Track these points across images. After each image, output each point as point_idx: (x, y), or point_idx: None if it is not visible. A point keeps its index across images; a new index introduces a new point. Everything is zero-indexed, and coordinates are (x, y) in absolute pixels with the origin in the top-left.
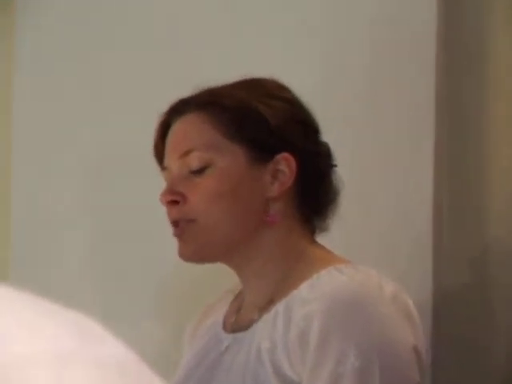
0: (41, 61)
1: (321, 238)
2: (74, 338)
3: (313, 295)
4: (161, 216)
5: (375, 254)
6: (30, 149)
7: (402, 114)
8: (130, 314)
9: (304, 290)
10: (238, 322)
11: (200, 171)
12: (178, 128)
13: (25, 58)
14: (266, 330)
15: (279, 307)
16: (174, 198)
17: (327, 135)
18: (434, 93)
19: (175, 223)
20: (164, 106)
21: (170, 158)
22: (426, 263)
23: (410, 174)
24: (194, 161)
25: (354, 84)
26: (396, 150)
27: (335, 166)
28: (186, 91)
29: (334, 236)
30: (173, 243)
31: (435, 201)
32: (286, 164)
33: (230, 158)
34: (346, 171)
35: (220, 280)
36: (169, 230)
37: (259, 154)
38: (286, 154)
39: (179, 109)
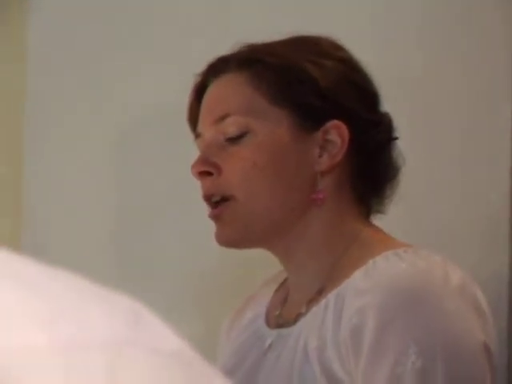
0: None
1: (379, 221)
2: (130, 325)
3: (368, 285)
4: (196, 194)
5: (441, 242)
6: (48, 119)
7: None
8: (160, 306)
9: (358, 278)
10: (283, 316)
11: (237, 138)
12: (214, 89)
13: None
14: (315, 325)
15: (330, 298)
16: (206, 169)
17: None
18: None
19: (208, 198)
20: (201, 66)
21: (204, 124)
22: (501, 253)
23: (485, 155)
24: (231, 126)
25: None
26: (468, 124)
27: (396, 138)
28: (225, 49)
29: (396, 219)
30: (210, 225)
31: None
32: (337, 133)
33: (273, 125)
34: (409, 147)
35: (264, 269)
36: (206, 209)
37: (306, 121)
38: (337, 122)
39: (217, 68)
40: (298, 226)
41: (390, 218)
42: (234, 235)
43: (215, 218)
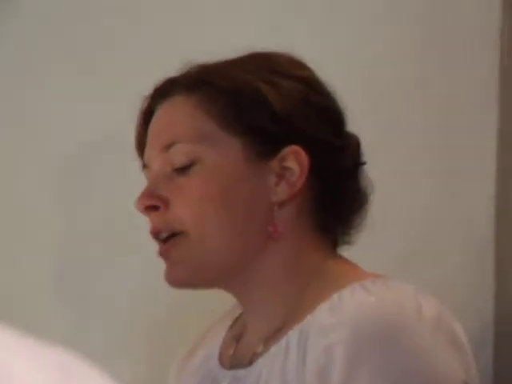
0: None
1: (346, 250)
2: (54, 376)
3: (333, 321)
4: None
5: (418, 269)
6: None
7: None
8: (100, 348)
9: (322, 314)
10: (237, 355)
11: (185, 168)
12: (161, 114)
13: None
14: (276, 368)
15: (291, 336)
16: (151, 203)
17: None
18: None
19: (156, 235)
20: (148, 89)
21: (151, 153)
22: (487, 279)
23: (470, 174)
24: (178, 155)
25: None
26: (452, 140)
27: (363, 164)
28: (173, 69)
29: (367, 248)
30: (160, 261)
31: (497, 206)
32: (295, 159)
33: (224, 152)
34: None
35: (216, 304)
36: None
37: (261, 147)
38: (295, 147)
39: (164, 90)
40: (255, 263)
41: (358, 246)
42: (184, 275)
43: (164, 255)
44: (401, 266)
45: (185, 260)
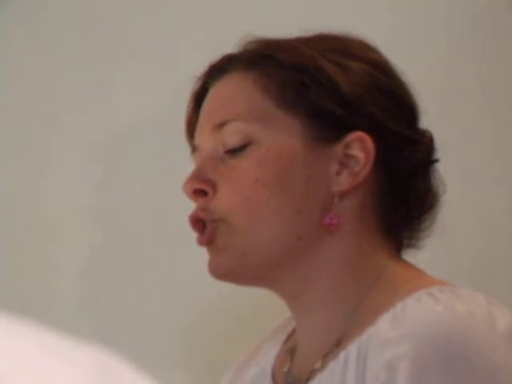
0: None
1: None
2: (98, 376)
3: (396, 334)
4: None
5: (484, 277)
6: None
7: None
8: (143, 360)
9: (384, 325)
10: (293, 372)
11: (239, 150)
12: (215, 92)
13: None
14: None
15: (350, 351)
16: (199, 187)
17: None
18: None
19: (196, 223)
20: (198, 69)
21: (202, 133)
22: None
23: None
24: (232, 135)
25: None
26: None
27: (436, 161)
28: (227, 47)
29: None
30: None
31: None
32: (360, 147)
33: (282, 134)
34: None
35: (272, 315)
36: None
37: (324, 131)
38: (361, 134)
39: (220, 68)
40: (310, 257)
41: (425, 253)
42: (229, 264)
43: (206, 242)
44: (473, 275)
45: (230, 248)
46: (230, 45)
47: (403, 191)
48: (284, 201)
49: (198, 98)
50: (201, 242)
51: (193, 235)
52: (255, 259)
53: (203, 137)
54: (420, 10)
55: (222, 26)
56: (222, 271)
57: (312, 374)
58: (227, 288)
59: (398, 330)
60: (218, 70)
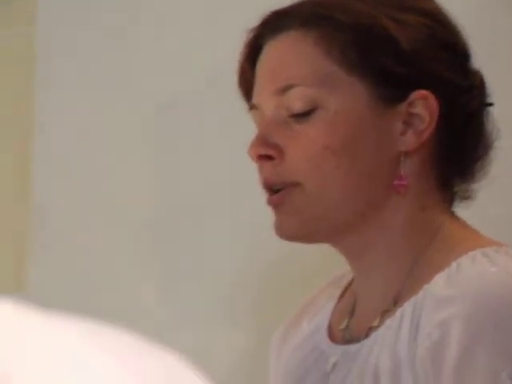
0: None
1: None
2: None
3: (451, 293)
4: (251, 179)
5: None
6: (61, 108)
7: None
8: (199, 316)
9: (439, 284)
10: (351, 330)
11: (305, 115)
12: (273, 51)
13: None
14: (388, 342)
15: (406, 308)
16: (267, 153)
17: None
18: None
19: (268, 186)
20: (250, 23)
21: (262, 94)
22: None
23: None
24: (297, 100)
25: None
26: None
27: (490, 104)
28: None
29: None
30: (267, 216)
31: None
32: (424, 105)
33: (348, 97)
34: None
35: (318, 272)
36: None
37: (387, 91)
38: (424, 92)
39: (276, 24)
40: (375, 220)
41: (476, 209)
42: (297, 228)
43: (276, 205)
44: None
45: (300, 212)
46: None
47: (459, 142)
48: (353, 166)
49: (252, 52)
50: (272, 202)
51: (239, 206)
52: (325, 224)
53: (264, 97)
54: None
55: None
56: (292, 233)
57: (370, 331)
58: (276, 248)
59: (452, 289)
60: (273, 26)
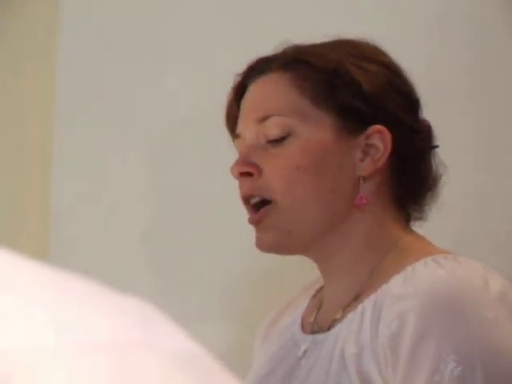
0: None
1: (419, 228)
2: (136, 326)
3: (406, 291)
4: (229, 200)
5: (476, 248)
6: (78, 119)
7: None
8: (193, 311)
9: (396, 284)
10: (317, 322)
11: (279, 140)
12: (256, 89)
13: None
14: (352, 332)
15: (367, 304)
16: (247, 170)
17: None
18: None
19: (247, 200)
20: (239, 67)
21: (245, 124)
22: None
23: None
24: (273, 128)
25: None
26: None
27: (436, 146)
28: (265, 51)
29: (432, 225)
30: (246, 231)
31: None
32: (380, 138)
33: (316, 127)
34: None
35: (298, 273)
36: (239, 216)
37: (350, 124)
38: (380, 127)
39: (259, 68)
40: (340, 232)
41: (430, 224)
42: (275, 241)
43: (256, 223)
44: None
45: (276, 227)
46: (262, 48)
47: (410, 173)
48: (320, 184)
49: (238, 92)
50: (252, 221)
51: (228, 217)
52: (298, 235)
53: (246, 126)
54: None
55: (257, 34)
56: (270, 246)
57: (333, 322)
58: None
59: (407, 288)
60: (256, 70)
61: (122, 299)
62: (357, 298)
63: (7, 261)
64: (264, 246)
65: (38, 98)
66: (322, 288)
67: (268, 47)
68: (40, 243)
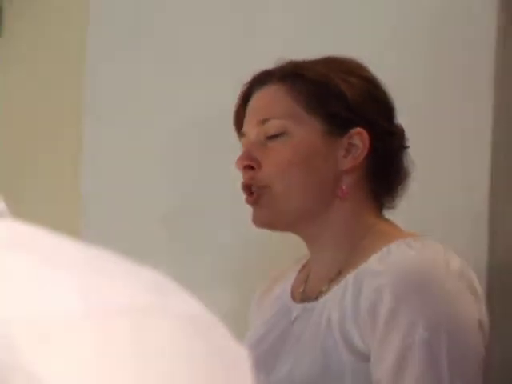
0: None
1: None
2: (151, 292)
3: (382, 268)
4: (231, 186)
5: (433, 231)
6: (106, 112)
7: (460, 94)
8: (194, 280)
9: (374, 262)
10: (306, 292)
11: (276, 137)
12: (259, 97)
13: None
14: (336, 302)
15: (349, 279)
16: (249, 163)
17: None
18: (493, 74)
19: (247, 188)
20: (246, 78)
21: (249, 124)
22: (481, 242)
23: (469, 154)
24: (272, 128)
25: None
26: (454, 131)
27: (407, 147)
28: (269, 64)
29: (397, 211)
30: (242, 212)
31: (492, 179)
32: (359, 139)
33: (307, 129)
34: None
35: (289, 249)
36: (239, 198)
37: (335, 128)
38: (360, 129)
39: (262, 79)
40: (324, 215)
41: (397, 211)
42: (269, 217)
43: (253, 202)
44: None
45: (270, 206)
46: (265, 58)
47: (385, 169)
48: (309, 176)
49: (244, 99)
50: (249, 201)
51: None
52: (287, 216)
53: (250, 127)
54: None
55: (261, 46)
56: (264, 222)
57: (320, 294)
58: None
59: (383, 266)
60: (260, 81)
61: (137, 270)
62: (340, 274)
63: (35, 229)
64: (258, 221)
65: (67, 93)
66: (307, 264)
67: (271, 58)
68: (72, 224)
